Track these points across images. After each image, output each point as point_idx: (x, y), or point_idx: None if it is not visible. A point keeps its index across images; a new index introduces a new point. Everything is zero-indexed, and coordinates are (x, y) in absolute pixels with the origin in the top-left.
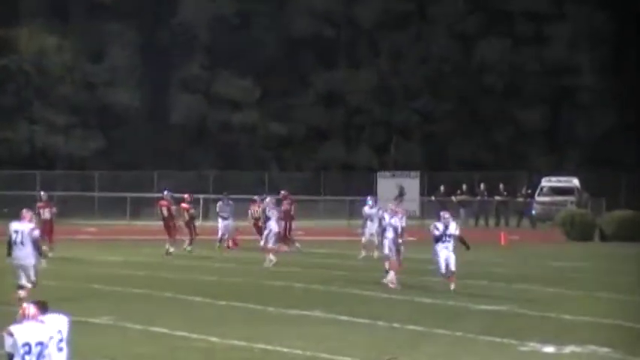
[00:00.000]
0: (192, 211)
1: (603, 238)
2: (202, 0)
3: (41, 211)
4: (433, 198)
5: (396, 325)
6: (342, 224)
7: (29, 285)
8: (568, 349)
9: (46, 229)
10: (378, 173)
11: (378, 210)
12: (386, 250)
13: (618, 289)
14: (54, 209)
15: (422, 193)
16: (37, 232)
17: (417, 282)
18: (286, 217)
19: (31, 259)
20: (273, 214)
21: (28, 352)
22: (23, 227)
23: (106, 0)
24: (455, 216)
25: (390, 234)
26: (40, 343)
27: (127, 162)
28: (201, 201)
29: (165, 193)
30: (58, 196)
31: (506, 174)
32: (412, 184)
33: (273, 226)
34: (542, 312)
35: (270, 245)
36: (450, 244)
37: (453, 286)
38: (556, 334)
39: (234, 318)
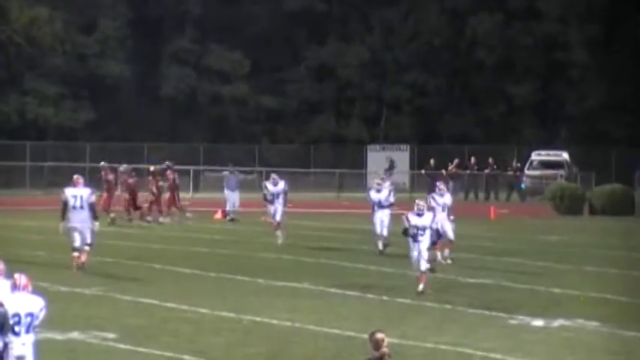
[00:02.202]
0: (159, 183)
1: (592, 212)
2: None
3: None
4: (423, 171)
5: (385, 297)
6: (331, 197)
7: (86, 247)
8: (557, 323)
9: None
10: (368, 146)
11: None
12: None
13: (607, 263)
14: None
15: (412, 167)
16: (94, 197)
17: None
18: (171, 188)
19: (88, 223)
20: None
21: (18, 323)
22: (81, 192)
23: None
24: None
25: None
26: (30, 314)
27: (117, 134)
28: (191, 173)
29: (167, 163)
30: (49, 166)
31: (496, 148)
32: (402, 157)
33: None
34: (531, 285)
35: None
36: (425, 239)
37: (421, 287)
38: (545, 307)
39: (224, 290)
